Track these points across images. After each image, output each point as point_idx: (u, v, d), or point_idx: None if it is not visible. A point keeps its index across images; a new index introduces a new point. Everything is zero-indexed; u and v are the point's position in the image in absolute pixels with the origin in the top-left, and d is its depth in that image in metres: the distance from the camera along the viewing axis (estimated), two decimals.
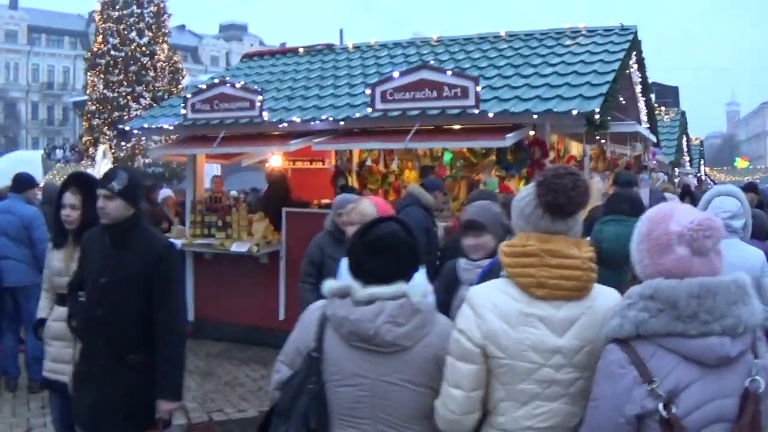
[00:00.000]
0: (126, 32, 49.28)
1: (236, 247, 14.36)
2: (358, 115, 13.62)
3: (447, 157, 14.54)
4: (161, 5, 51.13)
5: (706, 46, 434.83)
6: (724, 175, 63.55)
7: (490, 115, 12.29)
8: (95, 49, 50.55)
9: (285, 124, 14.26)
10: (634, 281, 3.56)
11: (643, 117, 17.83)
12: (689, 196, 14.51)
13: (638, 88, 17.18)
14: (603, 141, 14.94)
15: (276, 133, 14.68)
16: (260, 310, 14.47)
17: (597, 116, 11.68)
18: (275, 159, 17.60)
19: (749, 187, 14.82)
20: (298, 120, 14.10)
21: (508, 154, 12.82)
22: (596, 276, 3.79)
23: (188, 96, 15.68)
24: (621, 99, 14.31)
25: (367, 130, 13.92)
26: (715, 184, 44.08)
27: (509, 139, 11.92)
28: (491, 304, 3.70)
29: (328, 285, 4.14)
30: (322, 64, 17.60)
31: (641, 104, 17.77)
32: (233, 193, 27.43)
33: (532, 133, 12.70)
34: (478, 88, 12.38)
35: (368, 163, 15.69)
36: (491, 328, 3.65)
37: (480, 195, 8.54)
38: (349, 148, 15.48)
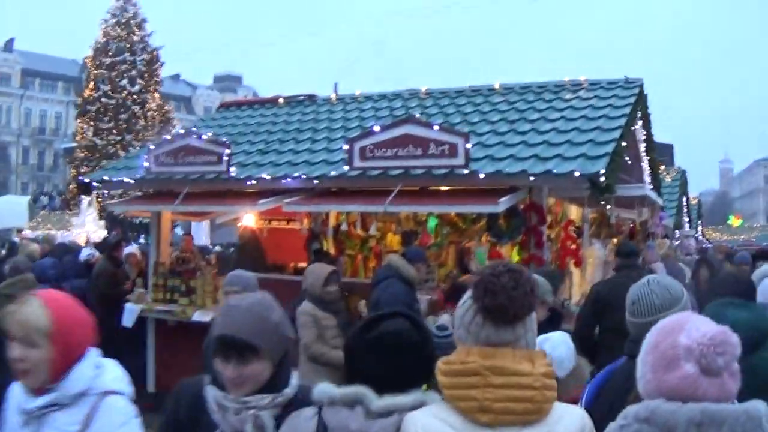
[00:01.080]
0: (118, 79, 50.31)
1: (198, 316, 13.14)
2: (334, 173, 12.45)
3: (432, 222, 13.28)
4: (155, 53, 51.75)
5: (698, 101, 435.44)
6: (719, 234, 62.35)
7: (482, 175, 11.09)
8: (86, 95, 51.02)
9: (254, 181, 13.17)
10: None
11: (647, 178, 16.41)
12: (706, 264, 12.89)
13: (642, 147, 15.74)
14: (608, 206, 13.49)
15: (247, 190, 13.60)
16: None
17: (602, 178, 10.43)
18: (248, 217, 16.56)
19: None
20: (268, 177, 13.00)
21: (501, 220, 11.52)
22: (553, 395, 3.33)
23: (151, 147, 14.70)
24: (627, 159, 12.98)
25: (344, 190, 12.77)
26: (710, 243, 43.20)
27: (502, 204, 10.71)
28: None
29: (327, 389, 3.58)
30: (301, 116, 16.45)
31: (645, 164, 16.36)
32: (217, 248, 26.15)
33: (527, 196, 11.51)
34: (468, 146, 11.19)
35: (343, 227, 14.32)
36: None
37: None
38: (322, 210, 14.12)
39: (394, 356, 3.55)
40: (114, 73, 50.32)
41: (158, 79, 52.29)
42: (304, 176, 12.64)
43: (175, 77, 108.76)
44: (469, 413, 3.23)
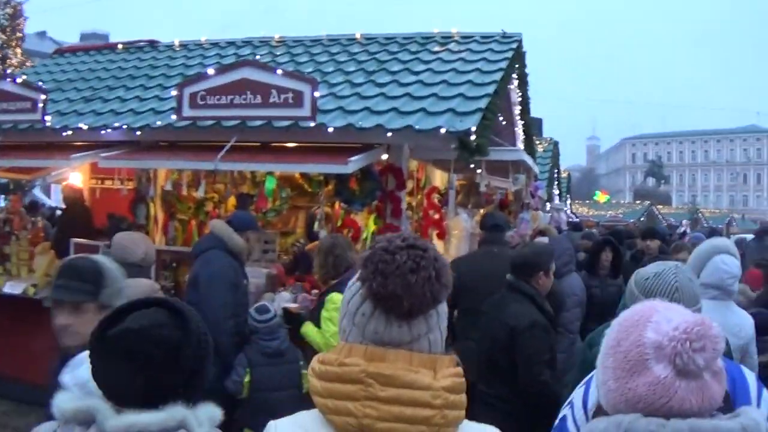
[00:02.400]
0: None
1: (9, 288, 11.44)
2: (159, 123, 10.76)
3: (270, 183, 11.28)
4: (18, 8, 49.12)
5: (568, 77, 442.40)
6: (587, 208, 63.51)
7: (330, 129, 9.52)
8: None
9: (69, 132, 11.47)
10: None
11: (521, 144, 14.87)
12: (610, 246, 11.27)
13: (517, 110, 14.19)
14: (478, 170, 11.79)
15: (66, 143, 11.86)
16: (46, 366, 10.87)
17: (473, 137, 8.92)
18: (74, 176, 14.68)
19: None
20: (84, 127, 11.33)
21: (352, 183, 10.01)
22: (459, 416, 2.53)
23: None
24: (500, 118, 11.44)
25: (174, 144, 11.18)
26: (577, 218, 42.87)
27: (353, 164, 9.08)
28: None
29: (63, 401, 2.82)
30: (138, 63, 14.80)
31: (519, 128, 14.84)
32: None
33: (385, 157, 10.04)
34: (317, 94, 9.55)
35: (168, 187, 12.18)
36: None
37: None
38: (142, 167, 11.99)
39: (137, 361, 2.71)
40: None
41: (21, 35, 49.68)
42: (125, 127, 11.00)
43: (41, 34, 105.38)
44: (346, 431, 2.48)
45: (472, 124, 8.99)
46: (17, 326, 11.57)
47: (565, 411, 3.68)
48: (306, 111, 9.43)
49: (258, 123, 9.93)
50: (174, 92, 10.44)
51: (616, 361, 2.53)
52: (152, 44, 15.99)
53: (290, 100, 9.51)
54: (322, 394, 2.54)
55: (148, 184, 12.18)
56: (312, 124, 9.49)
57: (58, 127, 11.59)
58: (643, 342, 2.48)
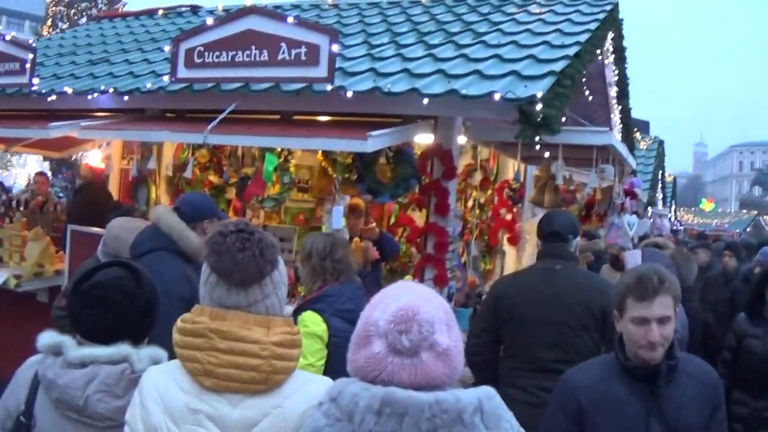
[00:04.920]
0: (76, 18, 46.40)
1: None
2: (149, 85, 8.72)
3: (269, 163, 9.09)
4: None
5: (678, 81, 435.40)
6: (692, 216, 62.18)
7: (349, 94, 7.25)
8: (45, 35, 47.52)
9: (54, 97, 9.71)
10: None
11: (617, 134, 12.22)
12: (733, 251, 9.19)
13: (613, 92, 11.64)
14: (553, 158, 9.24)
15: (54, 110, 10.16)
16: None
17: (538, 107, 6.50)
18: (94, 154, 13.08)
19: None
20: (69, 91, 9.47)
21: (378, 168, 7.96)
22: (289, 366, 3.20)
23: None
24: (587, 93, 9.01)
25: (171, 112, 9.58)
26: (681, 225, 40.68)
27: (375, 140, 6.86)
28: (157, 393, 3.18)
29: (44, 338, 3.62)
30: (169, 27, 13.11)
31: (615, 115, 12.27)
32: None
33: (430, 138, 7.86)
34: (335, 48, 7.32)
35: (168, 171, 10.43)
36: (153, 423, 3.12)
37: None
38: (122, 138, 10.24)
39: (99, 307, 3.52)
40: (72, 11, 46.84)
41: None
42: (111, 91, 9.01)
43: None
44: (195, 375, 3.14)
45: (539, 90, 6.62)
46: (14, 321, 10.29)
47: None
48: (321, 70, 7.26)
49: (263, 86, 7.81)
50: (167, 48, 8.78)
51: (354, 334, 2.95)
52: (194, 10, 14.25)
53: (303, 57, 7.37)
54: (180, 345, 3.20)
55: (144, 162, 10.12)
56: (328, 88, 7.30)
57: (44, 91, 9.79)
58: (370, 320, 2.88)
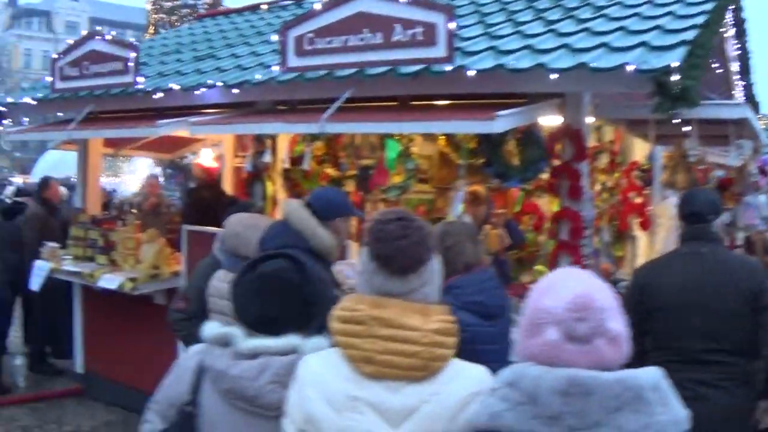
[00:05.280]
0: (177, 24, 46.24)
1: (105, 282, 9.83)
2: (259, 77, 8.42)
3: (391, 150, 8.79)
4: None
5: None
6: None
7: (471, 73, 6.80)
8: None
9: (161, 94, 9.43)
10: None
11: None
12: None
13: (734, 67, 11.07)
14: (685, 136, 8.73)
15: (160, 108, 9.98)
16: (158, 370, 9.29)
17: (675, 77, 5.99)
18: (206, 153, 12.91)
19: None
20: (176, 87, 9.21)
21: (505, 151, 7.52)
22: (447, 353, 3.13)
23: (55, 56, 11.39)
24: (715, 65, 8.54)
25: (281, 103, 9.20)
26: None
27: (503, 120, 6.42)
28: (315, 381, 3.19)
29: (209, 329, 3.72)
30: (272, 20, 12.79)
31: (737, 92, 11.67)
32: None
33: (555, 120, 7.40)
34: (452, 26, 6.99)
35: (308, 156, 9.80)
36: (313, 411, 3.14)
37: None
38: (232, 132, 10.22)
39: (266, 298, 3.55)
40: (174, 18, 47.80)
41: None
42: (220, 84, 8.75)
43: None
44: (355, 362, 3.12)
45: (673, 60, 6.13)
46: (132, 325, 10.55)
47: None
48: (440, 50, 6.93)
49: (379, 70, 7.41)
50: (274, 37, 8.52)
51: (523, 321, 2.94)
52: (298, 2, 13.96)
53: (419, 37, 7.03)
54: (339, 332, 3.18)
55: (258, 157, 9.88)
56: (448, 68, 6.89)
57: (149, 89, 9.55)
58: (540, 307, 2.87)
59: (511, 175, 7.66)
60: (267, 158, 9.62)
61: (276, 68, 8.21)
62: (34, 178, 23.93)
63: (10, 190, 16.29)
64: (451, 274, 5.23)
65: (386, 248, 3.20)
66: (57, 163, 23.38)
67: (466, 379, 3.13)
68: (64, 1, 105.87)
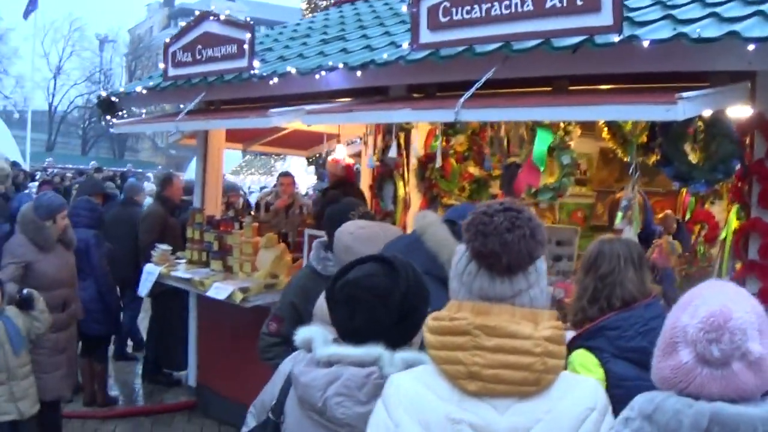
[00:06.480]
0: None
1: (215, 291, 9.06)
2: (386, 56, 7.29)
3: (541, 142, 7.34)
4: None
5: None
6: None
7: (645, 43, 5.51)
8: None
9: (275, 80, 8.55)
10: None
11: None
12: None
13: None
14: None
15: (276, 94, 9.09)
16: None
17: None
18: (341, 148, 12.06)
19: None
20: (293, 71, 8.21)
21: (687, 144, 6.22)
22: (560, 364, 2.83)
23: (167, 40, 10.62)
24: None
25: (412, 88, 8.05)
26: None
27: (687, 105, 5.05)
28: (408, 403, 2.84)
29: (301, 331, 3.51)
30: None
31: None
32: None
33: (743, 109, 5.99)
34: None
35: (439, 151, 8.47)
36: None
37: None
38: (351, 121, 8.95)
39: (349, 307, 3.29)
40: None
41: None
42: (341, 66, 7.69)
43: None
44: (456, 379, 2.78)
45: None
46: (247, 337, 8.53)
47: None
48: (605, 17, 5.62)
49: (529, 44, 6.13)
50: (404, 8, 7.62)
51: (660, 340, 2.77)
52: None
53: (579, 2, 5.75)
54: (435, 346, 2.84)
55: (386, 151, 8.96)
56: (616, 39, 5.59)
57: (265, 74, 8.63)
58: (677, 325, 2.69)
59: (695, 176, 6.35)
60: (393, 153, 8.66)
61: (405, 46, 7.11)
62: (187, 175, 23.65)
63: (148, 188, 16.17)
64: (605, 310, 4.53)
65: (492, 243, 2.82)
66: None
67: (579, 394, 2.84)
68: (221, 1, 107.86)
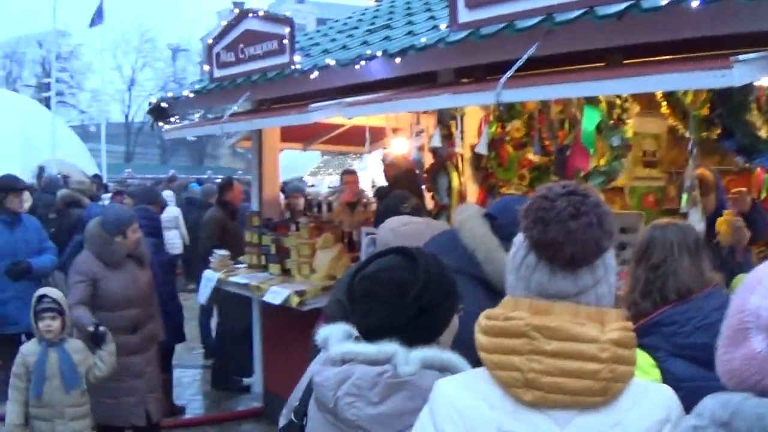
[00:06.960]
0: None
1: (271, 296, 8.97)
2: (424, 40, 6.89)
3: (589, 121, 6.79)
4: None
5: None
6: None
7: (694, 4, 4.89)
8: None
9: (316, 74, 8.23)
10: None
11: None
12: None
13: None
14: None
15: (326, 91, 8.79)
16: None
17: None
18: (398, 142, 11.56)
19: None
20: (332, 63, 7.92)
21: (752, 114, 5.74)
22: (630, 371, 2.49)
23: (210, 41, 10.50)
24: None
25: (455, 71, 7.65)
26: None
27: (745, 68, 4.56)
28: (456, 413, 2.53)
29: (322, 329, 3.34)
30: None
31: None
32: None
33: None
34: None
35: (482, 149, 8.34)
36: None
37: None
38: (391, 111, 8.41)
39: (365, 303, 3.14)
40: None
41: None
42: (380, 54, 7.35)
43: None
44: (510, 387, 2.46)
45: None
46: (308, 343, 8.61)
47: None
48: None
49: (572, 15, 5.62)
50: None
51: (725, 326, 2.37)
52: None
53: None
54: (488, 349, 2.55)
55: (448, 145, 8.59)
56: (664, 1, 5.05)
57: (306, 69, 8.33)
58: (745, 307, 2.27)
59: (760, 148, 5.93)
60: (436, 141, 8.30)
61: (443, 27, 6.70)
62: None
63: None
64: (659, 304, 4.27)
65: (553, 232, 2.46)
66: (287, 165, 23.22)
67: (651, 404, 2.50)
68: (290, 3, 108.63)
